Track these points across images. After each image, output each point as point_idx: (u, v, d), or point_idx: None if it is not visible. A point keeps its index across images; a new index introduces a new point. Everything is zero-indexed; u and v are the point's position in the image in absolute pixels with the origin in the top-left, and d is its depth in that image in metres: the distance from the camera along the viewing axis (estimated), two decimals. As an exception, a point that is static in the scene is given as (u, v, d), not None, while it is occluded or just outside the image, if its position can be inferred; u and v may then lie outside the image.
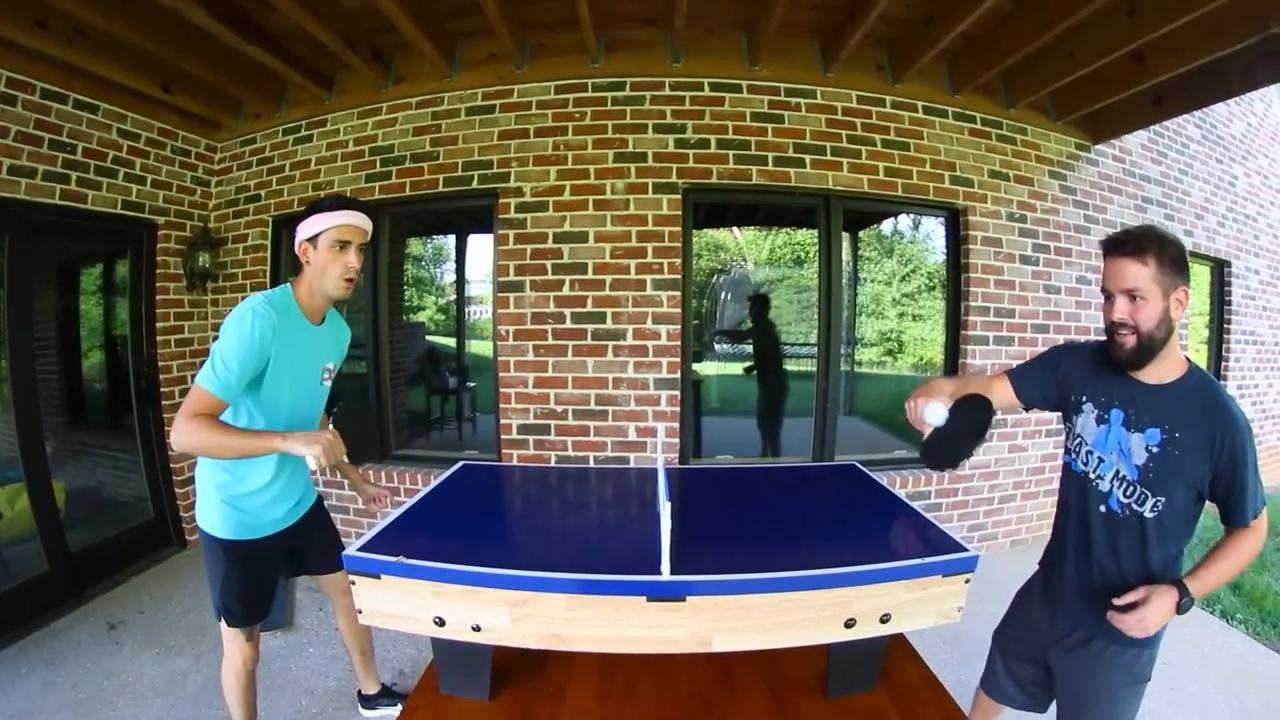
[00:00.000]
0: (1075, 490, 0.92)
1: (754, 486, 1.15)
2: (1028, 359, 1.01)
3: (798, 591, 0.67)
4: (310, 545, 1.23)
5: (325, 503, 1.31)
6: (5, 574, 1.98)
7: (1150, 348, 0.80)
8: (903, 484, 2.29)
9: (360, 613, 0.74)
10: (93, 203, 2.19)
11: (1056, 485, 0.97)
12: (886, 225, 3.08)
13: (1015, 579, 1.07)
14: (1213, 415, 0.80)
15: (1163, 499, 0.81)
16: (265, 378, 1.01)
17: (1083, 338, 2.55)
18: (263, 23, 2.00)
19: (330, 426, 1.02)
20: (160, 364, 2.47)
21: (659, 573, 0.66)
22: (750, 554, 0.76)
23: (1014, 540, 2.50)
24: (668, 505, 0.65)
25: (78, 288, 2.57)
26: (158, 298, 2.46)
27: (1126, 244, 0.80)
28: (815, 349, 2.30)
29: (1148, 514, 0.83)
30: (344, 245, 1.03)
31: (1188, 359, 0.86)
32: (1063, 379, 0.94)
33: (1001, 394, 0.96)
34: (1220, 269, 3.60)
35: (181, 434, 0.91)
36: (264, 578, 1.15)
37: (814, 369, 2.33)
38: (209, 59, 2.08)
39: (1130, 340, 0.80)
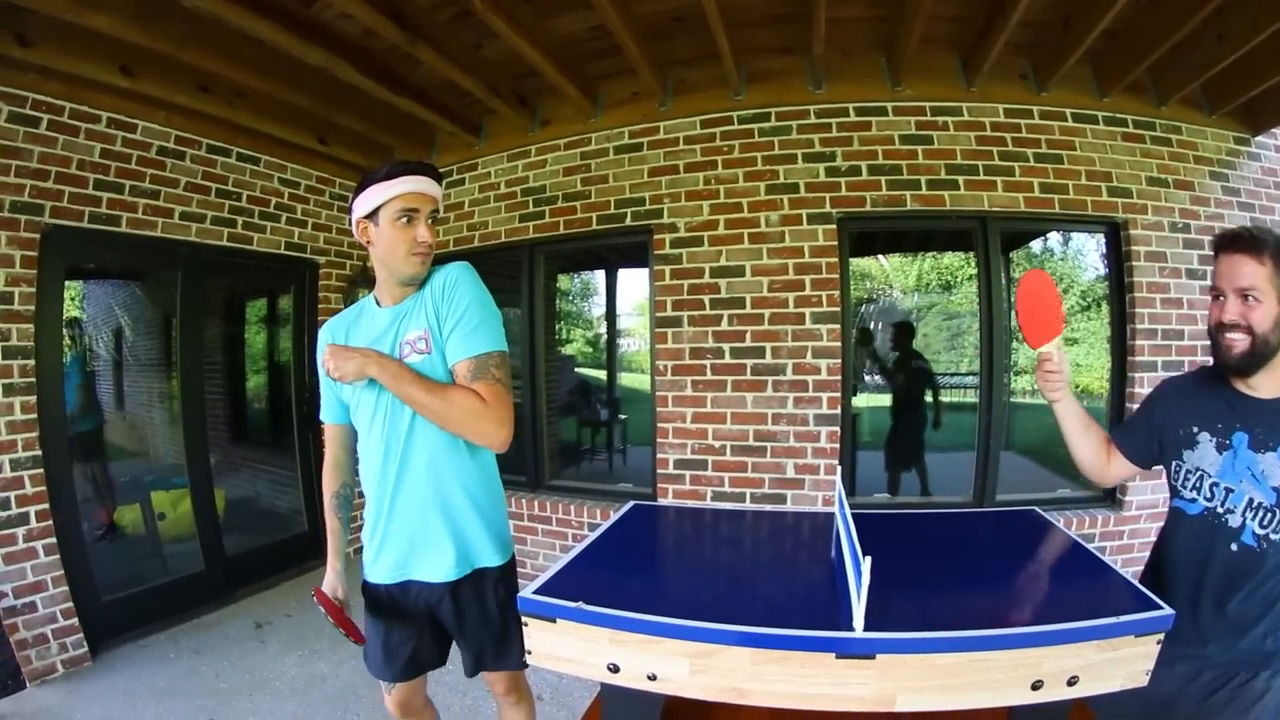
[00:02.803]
0: (1192, 536, 0.84)
1: (927, 533, 1.11)
2: (1130, 415, 0.95)
3: (988, 651, 0.65)
4: (456, 627, 0.95)
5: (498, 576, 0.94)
6: (164, 568, 2.21)
7: (1264, 353, 0.76)
8: (1066, 524, 2.17)
9: (530, 654, 0.74)
10: (258, 244, 2.42)
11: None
12: (1036, 244, 2.92)
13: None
14: None
15: None
16: (342, 396, 0.94)
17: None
18: (409, 76, 2.15)
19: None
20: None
21: (849, 628, 0.65)
22: (938, 609, 0.74)
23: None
24: (867, 560, 0.63)
25: (244, 319, 2.86)
26: (319, 331, 2.69)
27: (1242, 240, 0.77)
28: (975, 379, 2.21)
29: None
30: (411, 215, 0.85)
31: None
32: (1160, 420, 0.89)
33: (1121, 464, 0.94)
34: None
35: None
36: (382, 628, 0.95)
37: (965, 399, 2.25)
38: (360, 111, 2.25)
39: (1242, 343, 0.76)
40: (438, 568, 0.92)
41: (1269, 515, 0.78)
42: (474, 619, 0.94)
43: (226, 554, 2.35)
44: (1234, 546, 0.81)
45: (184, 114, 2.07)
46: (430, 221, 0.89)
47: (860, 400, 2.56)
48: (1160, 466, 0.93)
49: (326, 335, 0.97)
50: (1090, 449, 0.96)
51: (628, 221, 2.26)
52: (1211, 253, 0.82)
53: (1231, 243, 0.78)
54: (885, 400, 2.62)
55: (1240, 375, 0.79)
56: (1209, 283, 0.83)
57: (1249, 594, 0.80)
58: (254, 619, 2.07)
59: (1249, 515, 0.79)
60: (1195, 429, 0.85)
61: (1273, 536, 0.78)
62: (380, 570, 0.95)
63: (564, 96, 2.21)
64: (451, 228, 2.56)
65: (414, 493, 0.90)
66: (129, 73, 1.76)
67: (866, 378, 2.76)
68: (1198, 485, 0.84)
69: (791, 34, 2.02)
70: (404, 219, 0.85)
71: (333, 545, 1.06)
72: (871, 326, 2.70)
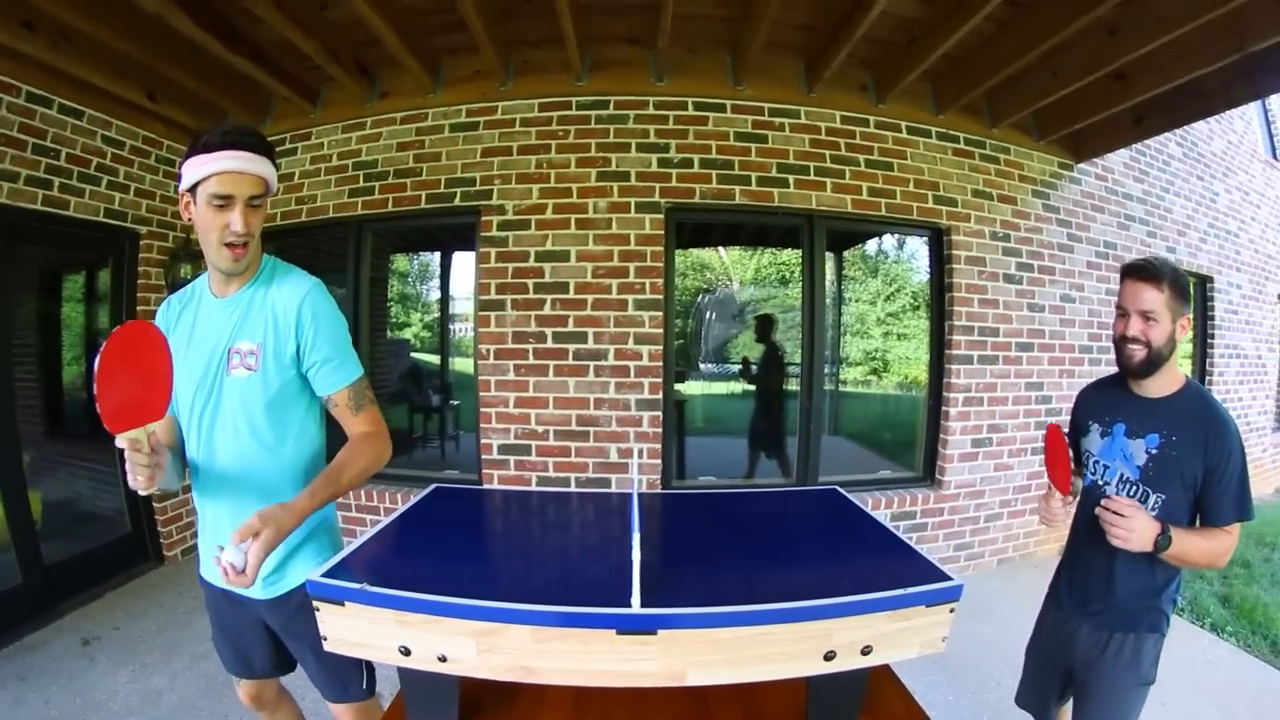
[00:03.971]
0: (1086, 502, 1.01)
1: (733, 513, 1.14)
2: None
3: (773, 624, 0.66)
4: (297, 650, 0.92)
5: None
6: None
7: (1156, 361, 0.92)
8: (888, 504, 2.29)
9: (325, 639, 0.72)
10: (75, 209, 2.16)
11: (1039, 503, 1.07)
12: (871, 245, 3.10)
13: (1003, 597, 1.10)
14: (1207, 420, 0.89)
15: (1163, 496, 0.90)
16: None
17: (1067, 357, 2.59)
18: (248, 33, 2.00)
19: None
20: (139, 376, 2.44)
21: (629, 604, 0.65)
22: (727, 584, 0.76)
23: (1001, 559, 2.50)
24: (636, 536, 0.65)
25: (59, 296, 2.54)
26: (139, 309, 2.44)
27: (1146, 270, 0.91)
28: (799, 368, 2.30)
29: (1150, 511, 0.91)
30: (224, 201, 0.75)
31: (1185, 375, 0.97)
32: (1075, 421, 1.08)
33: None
34: (1203, 284, 3.64)
35: None
36: (225, 628, 0.93)
37: (798, 388, 2.33)
38: (194, 68, 2.07)
39: (1140, 352, 0.92)
40: (268, 580, 0.85)
41: (1134, 488, 0.94)
42: (300, 641, 0.89)
43: (45, 564, 2.08)
44: None
45: (3, 54, 1.82)
46: (253, 205, 0.78)
47: (696, 387, 2.59)
48: None
49: (161, 317, 0.88)
50: None
51: (457, 201, 2.19)
52: (1118, 276, 0.97)
53: (1137, 271, 0.93)
54: (733, 388, 2.70)
55: (1137, 378, 0.96)
56: (1089, 294, 0.97)
57: (1116, 554, 0.93)
58: (80, 635, 1.89)
59: (1120, 488, 0.95)
60: (1090, 421, 1.04)
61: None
62: (210, 571, 0.91)
63: (405, 69, 2.12)
64: (280, 200, 2.39)
65: (222, 500, 0.85)
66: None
67: (708, 365, 2.82)
68: (1087, 463, 1.02)
69: (639, 25, 2.04)
70: (218, 203, 0.75)
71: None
72: (709, 317, 2.76)
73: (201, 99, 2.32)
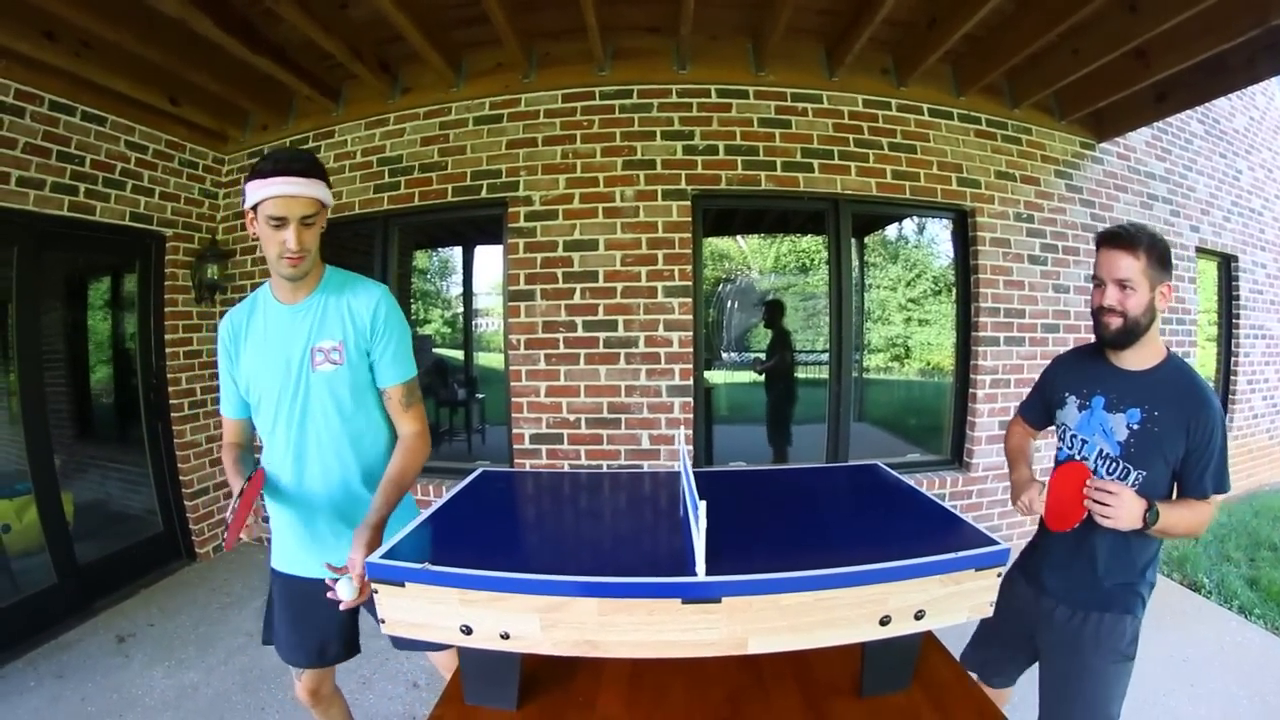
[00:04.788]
0: None
1: (776, 488, 1.14)
2: (1030, 388, 1.11)
3: (833, 589, 0.67)
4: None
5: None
6: (13, 586, 1.97)
7: (1135, 331, 0.89)
8: (916, 487, 2.28)
9: (383, 622, 0.73)
10: (101, 214, 2.19)
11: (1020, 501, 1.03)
12: (891, 230, 3.08)
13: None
14: (1190, 397, 0.87)
15: (1144, 473, 0.88)
16: (243, 387, 0.93)
17: (1094, 338, 2.57)
18: (270, 34, 2.01)
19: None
20: (169, 376, 2.47)
21: (693, 574, 0.65)
22: (782, 554, 0.76)
23: (1028, 539, 2.47)
24: (703, 504, 0.64)
25: (86, 300, 2.58)
26: (166, 310, 2.47)
27: (1121, 237, 0.88)
28: (826, 355, 2.29)
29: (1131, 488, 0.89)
30: (279, 222, 0.84)
31: (1166, 347, 0.93)
32: (1050, 390, 1.05)
33: (1026, 431, 1.12)
34: (1227, 264, 3.59)
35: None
36: (303, 618, 0.98)
37: (823, 375, 2.32)
38: (216, 71, 2.09)
39: (1117, 321, 0.89)
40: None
41: (1114, 464, 0.91)
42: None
43: (80, 564, 2.11)
44: None
45: (25, 64, 1.84)
46: (306, 224, 0.87)
47: (719, 376, 2.59)
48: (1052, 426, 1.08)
49: (226, 328, 0.95)
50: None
51: (483, 194, 2.20)
52: (1094, 246, 0.92)
53: (1112, 239, 0.89)
54: (755, 376, 2.69)
55: (1114, 348, 0.92)
56: (1091, 271, 0.94)
57: (1092, 527, 0.91)
58: (115, 633, 1.92)
59: (1099, 463, 0.93)
60: (1067, 393, 1.00)
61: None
62: (294, 563, 0.97)
63: (427, 64, 2.13)
64: (305, 197, 2.41)
65: (321, 492, 0.94)
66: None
67: (730, 354, 2.82)
68: (1063, 436, 0.99)
69: (660, 13, 2.03)
70: (274, 223, 0.85)
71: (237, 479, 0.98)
72: (730, 306, 2.75)
73: (223, 101, 2.34)
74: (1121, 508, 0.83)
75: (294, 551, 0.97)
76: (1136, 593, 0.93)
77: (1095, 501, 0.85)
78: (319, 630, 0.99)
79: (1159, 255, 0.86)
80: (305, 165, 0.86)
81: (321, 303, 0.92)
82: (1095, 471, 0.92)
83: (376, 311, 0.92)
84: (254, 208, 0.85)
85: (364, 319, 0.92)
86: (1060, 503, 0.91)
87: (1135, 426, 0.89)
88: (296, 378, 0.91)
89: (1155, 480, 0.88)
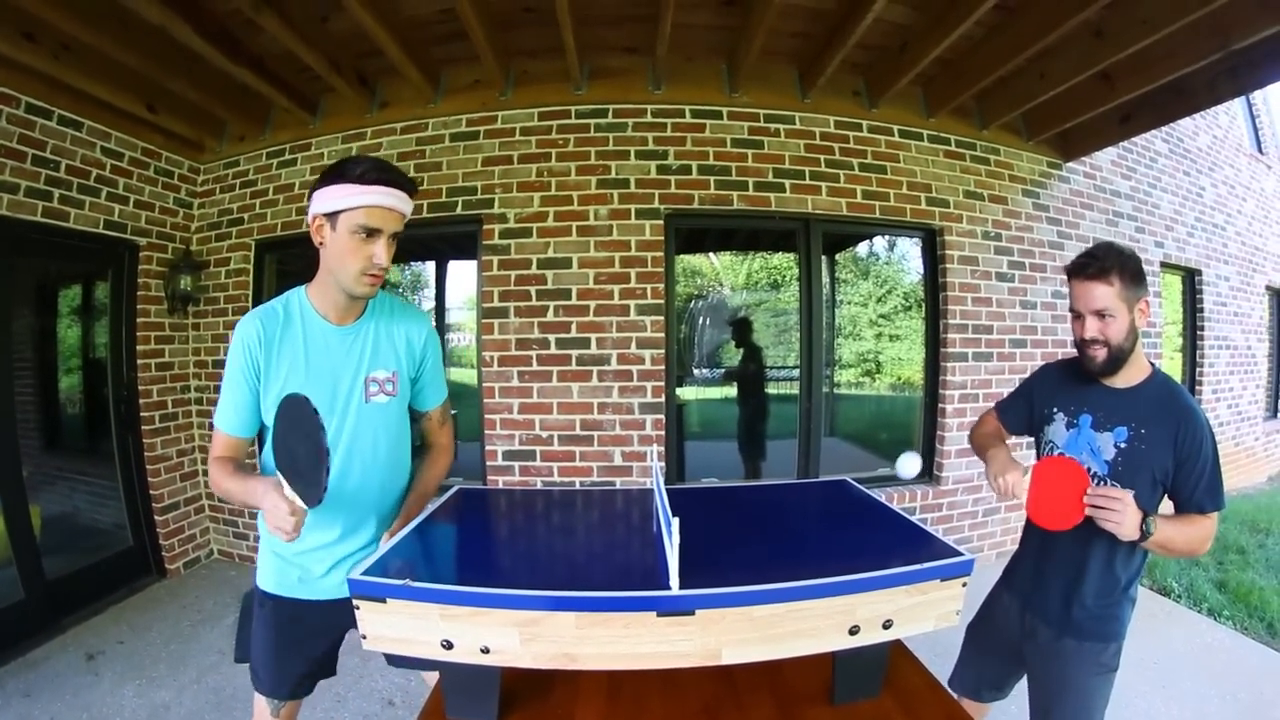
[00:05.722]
0: None
1: (747, 504, 1.16)
2: (1012, 391, 1.09)
3: (803, 601, 0.69)
4: None
5: None
6: None
7: (1120, 358, 0.88)
8: (888, 501, 2.32)
9: (365, 638, 0.73)
10: (75, 221, 2.16)
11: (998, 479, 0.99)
12: (862, 248, 3.13)
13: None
14: (1176, 412, 0.86)
15: (1131, 491, 0.85)
16: (265, 409, 0.83)
17: (1059, 352, 2.64)
18: (249, 44, 2.01)
19: (278, 477, 0.74)
20: (140, 388, 2.44)
21: (667, 587, 0.67)
22: (752, 568, 0.77)
23: (999, 552, 2.55)
24: (675, 520, 0.66)
25: (56, 308, 2.54)
26: (138, 320, 2.44)
27: (1090, 266, 0.86)
28: (797, 371, 2.33)
29: None
30: (372, 233, 0.78)
31: (1151, 363, 0.93)
32: (1037, 401, 1.03)
33: (999, 431, 1.08)
34: (1191, 278, 3.71)
35: (211, 479, 0.84)
36: (301, 646, 0.93)
37: (794, 391, 2.35)
38: (194, 79, 2.08)
39: (1102, 353, 0.88)
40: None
41: (1101, 483, 0.89)
42: None
43: (48, 578, 2.07)
44: None
45: (3, 65, 1.82)
46: (393, 239, 0.82)
47: (690, 392, 2.62)
48: (1030, 437, 1.07)
49: (256, 333, 0.83)
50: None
51: (459, 210, 2.21)
52: (1065, 277, 0.91)
53: (1081, 269, 0.87)
54: (727, 392, 2.72)
55: (1104, 377, 0.91)
56: (1068, 302, 0.93)
57: (1079, 546, 0.91)
58: (85, 650, 1.88)
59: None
60: (1055, 409, 0.98)
61: None
62: (302, 588, 0.91)
63: (405, 79, 2.14)
64: (280, 210, 2.40)
65: (355, 513, 0.91)
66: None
67: (702, 370, 2.84)
68: (1049, 453, 0.97)
69: (637, 34, 2.07)
70: (363, 234, 0.78)
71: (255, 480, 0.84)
72: (701, 322, 2.78)
73: (201, 110, 2.33)
74: (1127, 514, 0.81)
75: (312, 574, 0.90)
76: (1117, 617, 0.92)
77: (1099, 508, 0.82)
78: (317, 649, 0.95)
79: (1131, 274, 0.85)
80: (408, 180, 0.82)
81: (373, 328, 0.89)
82: None
83: (428, 342, 0.94)
84: (333, 215, 0.78)
85: (415, 348, 0.92)
86: (1053, 500, 0.85)
87: (1122, 444, 0.88)
88: (345, 404, 0.86)
89: (1141, 498, 0.86)
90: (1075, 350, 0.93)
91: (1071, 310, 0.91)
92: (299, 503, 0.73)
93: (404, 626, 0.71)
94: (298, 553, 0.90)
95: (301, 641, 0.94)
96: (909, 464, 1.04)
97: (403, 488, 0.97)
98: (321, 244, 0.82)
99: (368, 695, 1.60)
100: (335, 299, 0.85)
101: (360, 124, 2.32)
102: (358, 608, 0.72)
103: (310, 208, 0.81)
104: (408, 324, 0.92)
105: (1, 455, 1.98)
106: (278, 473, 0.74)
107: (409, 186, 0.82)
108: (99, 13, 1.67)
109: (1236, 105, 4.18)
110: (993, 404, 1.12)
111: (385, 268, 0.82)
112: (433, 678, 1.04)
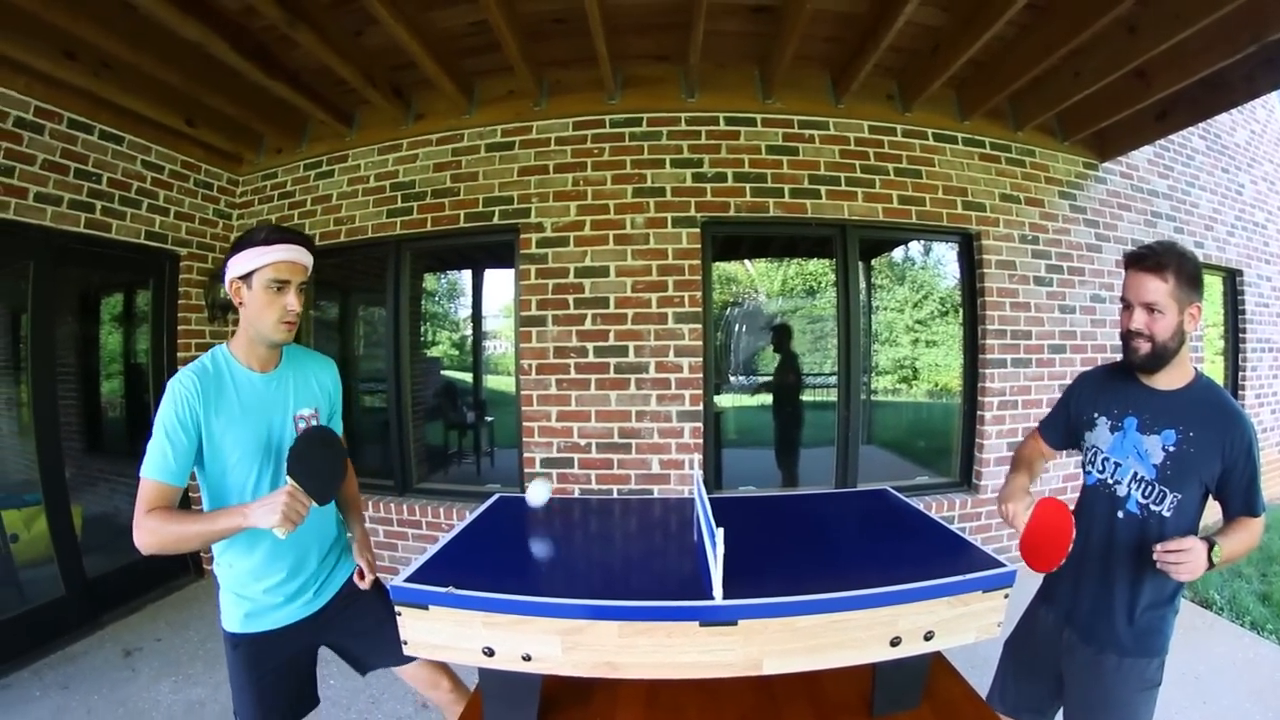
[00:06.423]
0: (1092, 502, 0.96)
1: (788, 513, 1.15)
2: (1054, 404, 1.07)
3: (846, 612, 0.69)
4: (354, 635, 1.04)
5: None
6: (20, 597, 1.99)
7: (1164, 356, 0.86)
8: (926, 508, 2.28)
9: (406, 644, 0.74)
10: (116, 232, 2.22)
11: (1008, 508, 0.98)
12: (898, 253, 3.10)
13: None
14: (1224, 417, 0.86)
15: (1179, 496, 0.86)
16: (205, 455, 0.89)
17: (1099, 358, 2.58)
18: (285, 59, 2.05)
19: (286, 477, 0.84)
20: (182, 396, 2.49)
21: (710, 598, 0.67)
22: (794, 578, 0.78)
23: (1035, 562, 2.49)
24: (720, 531, 0.66)
25: (99, 316, 2.61)
26: (179, 328, 2.50)
27: (1148, 259, 0.85)
28: (834, 378, 2.30)
29: (1165, 512, 0.88)
30: (282, 285, 0.89)
31: (1195, 367, 0.91)
32: (1075, 409, 1.01)
33: (1040, 449, 1.07)
34: (1232, 279, 3.59)
35: (140, 535, 0.82)
36: (282, 677, 0.97)
37: (831, 398, 2.33)
38: (232, 94, 2.13)
39: (1145, 347, 0.86)
40: (334, 582, 1.05)
41: (1150, 488, 0.89)
42: (363, 620, 1.05)
43: (88, 576, 2.12)
44: (1120, 514, 0.93)
45: (46, 82, 1.88)
46: (300, 289, 0.93)
47: (727, 400, 2.60)
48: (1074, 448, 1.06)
49: (195, 390, 0.88)
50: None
51: (495, 220, 2.22)
52: (1121, 268, 0.90)
53: (1138, 260, 0.86)
54: (764, 400, 2.70)
55: (1144, 373, 0.90)
56: (1118, 293, 0.93)
57: (1131, 555, 0.90)
58: (122, 646, 1.92)
59: (1134, 486, 0.91)
60: (1096, 414, 0.97)
61: (1153, 507, 0.89)
62: (275, 617, 0.98)
63: (439, 91, 2.16)
64: (318, 221, 2.44)
65: (311, 534, 1.00)
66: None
67: (738, 378, 2.83)
68: (1093, 460, 0.96)
69: (669, 42, 2.07)
70: (275, 287, 0.90)
71: (232, 508, 0.91)
72: (738, 330, 2.77)
73: (239, 124, 2.38)
74: (1197, 559, 0.79)
75: (277, 603, 0.96)
76: (1161, 630, 0.90)
77: (1170, 564, 0.80)
78: (299, 672, 1.01)
79: (1188, 275, 0.83)
80: (305, 237, 0.95)
81: (292, 373, 1.00)
82: (1129, 496, 0.90)
83: (336, 379, 1.09)
84: (247, 276, 0.89)
85: (328, 386, 1.06)
86: (1039, 536, 0.86)
87: (1171, 448, 0.86)
88: (279, 442, 0.96)
89: (1189, 501, 0.86)
90: (1120, 343, 0.91)
91: (1122, 299, 0.89)
92: (312, 502, 0.86)
93: (446, 633, 0.72)
94: (258, 593, 0.97)
95: (280, 673, 0.98)
96: (538, 491, 1.12)
97: (334, 512, 1.08)
98: (241, 303, 0.92)
99: (401, 698, 1.61)
100: (258, 350, 0.96)
101: (396, 136, 2.35)
102: (399, 614, 0.73)
103: (225, 275, 0.92)
104: (319, 368, 1.05)
105: (45, 456, 2.03)
106: (289, 479, 0.85)
107: (306, 242, 0.95)
108: (138, 31, 1.72)
109: (1275, 99, 4.04)
110: (1033, 413, 1.13)
111: (298, 313, 0.93)
112: (411, 673, 1.09)
